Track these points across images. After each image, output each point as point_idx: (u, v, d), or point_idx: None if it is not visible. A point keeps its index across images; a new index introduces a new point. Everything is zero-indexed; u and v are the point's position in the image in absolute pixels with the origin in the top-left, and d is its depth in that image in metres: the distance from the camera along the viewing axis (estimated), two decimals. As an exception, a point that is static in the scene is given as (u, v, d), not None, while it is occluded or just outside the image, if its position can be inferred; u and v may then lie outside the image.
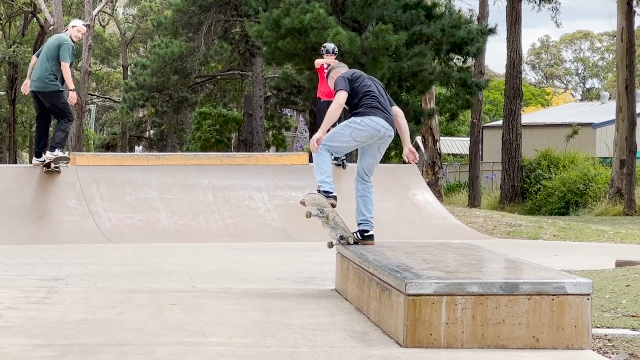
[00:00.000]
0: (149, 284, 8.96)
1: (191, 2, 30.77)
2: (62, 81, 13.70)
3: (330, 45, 16.27)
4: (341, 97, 8.05)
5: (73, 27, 14.01)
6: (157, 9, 47.47)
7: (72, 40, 13.69)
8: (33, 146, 14.67)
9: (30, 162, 13.97)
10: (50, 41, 13.86)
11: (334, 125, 8.30)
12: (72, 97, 13.59)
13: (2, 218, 15.09)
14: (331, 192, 8.11)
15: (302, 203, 8.35)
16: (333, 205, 8.12)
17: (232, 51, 34.84)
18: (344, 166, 16.10)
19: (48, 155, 13.90)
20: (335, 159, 12.37)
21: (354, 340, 5.95)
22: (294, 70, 31.52)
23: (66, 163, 14.09)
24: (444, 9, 27.49)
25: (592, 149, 41.80)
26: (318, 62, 15.59)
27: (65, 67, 13.54)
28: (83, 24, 14.04)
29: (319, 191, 8.12)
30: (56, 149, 13.91)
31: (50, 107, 13.84)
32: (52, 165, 13.93)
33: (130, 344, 5.70)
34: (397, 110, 8.34)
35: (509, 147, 33.79)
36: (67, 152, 14.51)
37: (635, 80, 30.96)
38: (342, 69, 8.53)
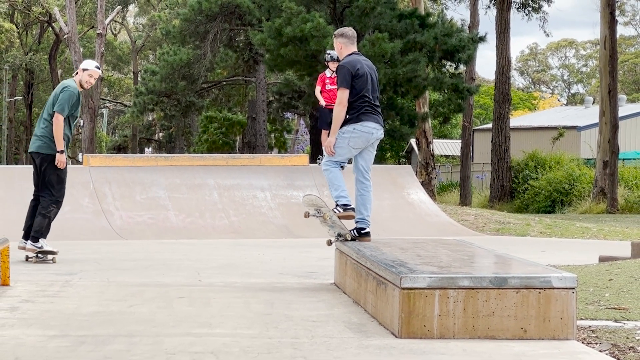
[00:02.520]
0: (159, 278, 8.96)
1: (198, 12, 30.73)
2: (68, 143, 10.40)
3: (334, 53, 16.16)
4: (343, 97, 8.05)
5: (84, 70, 10.43)
6: (165, 18, 47.42)
7: (82, 87, 10.36)
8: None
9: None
10: (55, 91, 10.50)
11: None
12: (59, 161, 10.15)
13: (20, 216, 15.08)
14: (349, 205, 8.16)
15: (306, 215, 8.37)
16: (353, 217, 8.15)
17: (237, 58, 34.82)
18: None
19: (29, 247, 10.25)
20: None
21: (352, 331, 5.95)
22: (295, 76, 31.49)
23: (52, 259, 10.30)
24: (437, 18, 27.46)
25: (576, 150, 41.77)
26: (318, 91, 15.20)
27: (57, 119, 10.14)
28: (97, 67, 10.49)
29: (337, 205, 8.15)
30: (39, 240, 10.24)
31: (42, 175, 10.30)
32: (41, 257, 10.31)
33: (140, 335, 5.70)
34: None
35: (498, 148, 33.76)
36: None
37: (617, 86, 30.92)
38: (350, 57, 8.28)
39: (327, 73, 15.39)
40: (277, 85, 38.86)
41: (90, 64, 10.48)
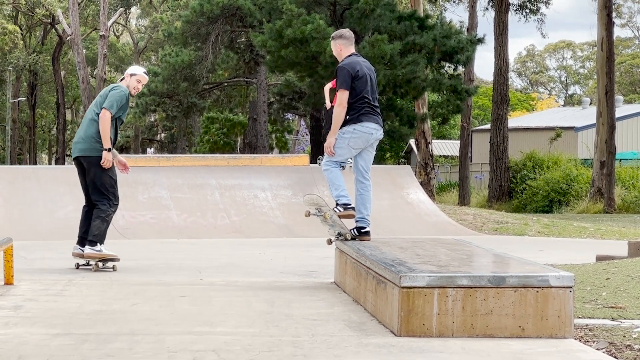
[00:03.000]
0: (161, 277, 8.96)
1: (199, 14, 30.72)
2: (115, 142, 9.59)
3: None
4: (343, 99, 8.06)
5: (132, 75, 9.66)
6: (167, 20, 47.43)
7: (130, 94, 9.58)
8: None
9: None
10: (101, 92, 9.67)
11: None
12: (105, 159, 9.36)
13: (23, 215, 15.10)
14: (349, 204, 8.16)
15: (307, 214, 8.38)
16: (353, 217, 8.15)
17: (238, 60, 34.82)
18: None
19: (88, 252, 9.35)
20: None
21: (352, 329, 5.95)
22: (296, 77, 31.49)
23: (112, 266, 9.50)
24: (435, 20, 27.46)
25: (574, 151, 41.75)
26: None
27: (105, 115, 9.35)
28: (145, 72, 9.72)
29: (337, 205, 8.15)
30: (97, 244, 9.38)
31: (91, 180, 9.48)
32: (100, 264, 9.42)
33: (142, 333, 5.70)
34: None
35: (496, 149, 33.76)
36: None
37: (614, 87, 30.92)
38: (350, 58, 8.28)
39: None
40: (278, 86, 38.86)
41: (138, 70, 9.73)
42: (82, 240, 9.53)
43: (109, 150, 9.36)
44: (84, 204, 9.68)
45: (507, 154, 34.04)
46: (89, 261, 9.42)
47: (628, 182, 31.40)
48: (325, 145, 8.19)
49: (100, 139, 9.34)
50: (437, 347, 5.32)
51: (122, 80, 9.70)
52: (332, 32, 8.79)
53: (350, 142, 8.10)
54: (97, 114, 9.43)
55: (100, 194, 9.42)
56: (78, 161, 9.53)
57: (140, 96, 35.58)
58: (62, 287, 7.93)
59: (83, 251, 9.43)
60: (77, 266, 9.58)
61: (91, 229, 9.36)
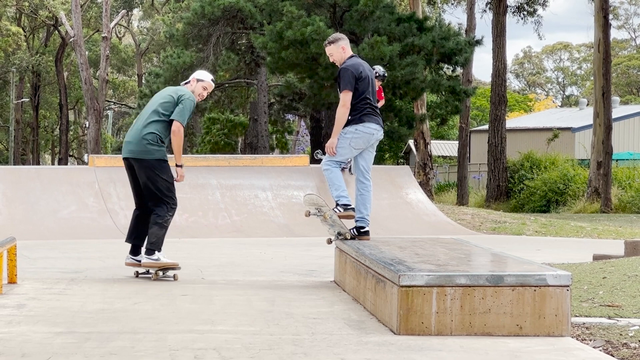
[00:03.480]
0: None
1: (201, 16, 30.72)
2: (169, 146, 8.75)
3: (381, 69, 15.49)
4: (347, 100, 8.06)
5: (199, 81, 8.84)
6: (169, 22, 47.44)
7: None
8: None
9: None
10: (163, 92, 8.90)
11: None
12: (180, 175, 8.78)
13: (27, 215, 15.10)
14: (349, 205, 8.16)
15: (307, 214, 8.37)
16: (353, 217, 8.15)
17: (239, 61, 34.81)
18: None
19: (145, 262, 8.54)
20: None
21: (352, 328, 5.95)
22: (296, 78, 31.48)
23: (174, 275, 8.63)
24: (434, 22, 27.45)
25: (571, 151, 41.76)
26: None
27: (180, 131, 8.56)
28: (212, 80, 8.91)
29: (337, 205, 8.15)
30: (155, 252, 8.53)
31: (145, 184, 8.66)
32: (160, 273, 8.58)
33: (144, 332, 5.70)
34: None
35: (494, 149, 33.77)
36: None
37: (611, 88, 30.91)
38: (352, 60, 8.30)
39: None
40: (278, 87, 38.86)
41: (206, 76, 8.88)
42: (135, 249, 8.80)
43: (181, 166, 8.75)
44: (135, 207, 8.90)
45: (505, 154, 34.05)
46: (148, 269, 8.70)
47: (624, 182, 31.40)
48: (327, 144, 8.19)
49: (154, 142, 8.52)
50: (435, 345, 5.32)
51: (186, 84, 8.91)
52: (332, 34, 8.75)
53: (352, 142, 8.11)
54: (159, 116, 8.59)
55: (156, 198, 8.61)
56: (128, 162, 8.76)
57: (142, 97, 35.59)
58: (65, 286, 7.93)
59: (140, 261, 8.69)
60: (137, 274, 8.84)
61: (148, 237, 8.57)
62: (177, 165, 8.70)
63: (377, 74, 15.27)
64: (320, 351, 5.14)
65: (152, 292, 7.58)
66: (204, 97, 8.89)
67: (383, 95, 16.31)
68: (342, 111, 8.07)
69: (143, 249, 8.67)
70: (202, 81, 8.83)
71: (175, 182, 8.74)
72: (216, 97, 44.48)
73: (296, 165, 17.30)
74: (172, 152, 8.66)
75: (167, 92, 8.80)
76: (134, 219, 8.87)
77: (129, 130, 8.88)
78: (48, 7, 53.34)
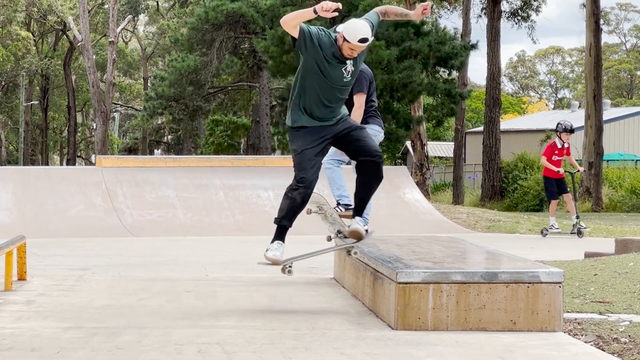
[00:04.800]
0: (167, 273, 8.96)
1: (205, 21, 30.72)
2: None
3: (569, 124, 15.07)
4: (363, 102, 8.06)
5: None
6: (174, 27, 47.43)
7: None
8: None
9: None
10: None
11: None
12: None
13: (36, 214, 15.10)
14: (350, 205, 8.14)
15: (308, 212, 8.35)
16: (353, 216, 8.10)
17: (242, 65, 34.84)
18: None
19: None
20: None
21: (351, 323, 5.95)
22: (297, 81, 31.47)
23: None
24: (431, 27, 27.45)
25: (563, 152, 41.68)
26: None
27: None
28: None
29: (338, 204, 8.13)
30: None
31: None
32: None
33: (150, 327, 5.70)
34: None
35: (489, 150, 33.76)
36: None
37: (602, 91, 30.90)
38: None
39: (558, 144, 15.02)
40: (280, 90, 38.85)
41: None
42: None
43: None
44: None
45: (499, 155, 34.04)
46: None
47: (615, 182, 31.40)
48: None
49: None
50: (432, 340, 5.32)
51: None
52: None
53: None
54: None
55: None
56: None
57: (147, 100, 35.59)
58: (73, 282, 7.93)
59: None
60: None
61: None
62: None
63: (565, 129, 14.95)
64: (321, 345, 5.15)
65: (158, 288, 7.58)
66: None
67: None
68: (359, 112, 8.04)
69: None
70: None
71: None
72: (219, 100, 44.49)
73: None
74: None
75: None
76: None
77: None
78: (57, 13, 53.33)
